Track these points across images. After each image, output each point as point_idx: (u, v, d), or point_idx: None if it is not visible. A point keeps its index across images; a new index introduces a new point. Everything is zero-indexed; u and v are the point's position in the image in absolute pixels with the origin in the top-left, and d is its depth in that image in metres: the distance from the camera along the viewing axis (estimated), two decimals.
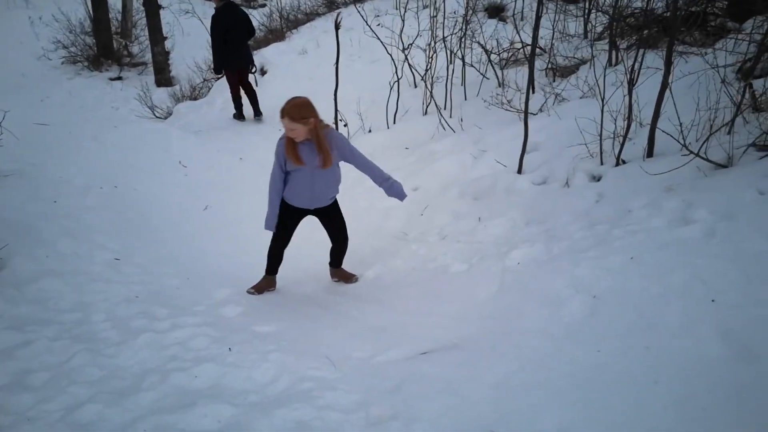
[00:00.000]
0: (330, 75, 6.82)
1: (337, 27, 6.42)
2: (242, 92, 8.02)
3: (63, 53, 12.17)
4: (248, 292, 4.07)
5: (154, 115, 8.93)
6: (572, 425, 2.22)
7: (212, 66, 7.92)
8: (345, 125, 7.03)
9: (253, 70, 8.11)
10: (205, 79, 10.41)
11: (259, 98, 8.12)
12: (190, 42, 12.60)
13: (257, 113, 8.12)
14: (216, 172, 6.50)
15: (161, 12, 11.61)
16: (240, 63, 7.75)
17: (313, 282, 4.31)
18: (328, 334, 3.38)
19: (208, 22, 12.26)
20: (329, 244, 4.19)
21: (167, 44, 11.99)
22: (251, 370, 2.83)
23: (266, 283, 4.16)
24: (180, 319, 3.43)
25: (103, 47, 12.12)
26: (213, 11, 7.61)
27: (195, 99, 9.67)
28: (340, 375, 2.78)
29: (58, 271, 3.91)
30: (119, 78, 11.87)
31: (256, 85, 8.19)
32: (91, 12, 12.23)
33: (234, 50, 7.56)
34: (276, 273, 4.19)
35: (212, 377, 2.78)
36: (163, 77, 11.48)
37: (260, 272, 4.16)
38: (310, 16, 11.42)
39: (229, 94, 8.13)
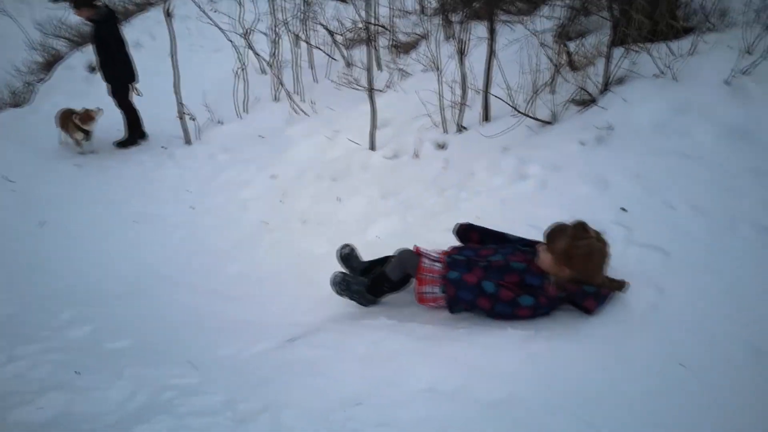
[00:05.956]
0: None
1: (168, 15, 6.04)
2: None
3: None
4: None
5: None
6: (441, 381, 2.30)
7: (111, 86, 6.47)
8: (192, 119, 6.67)
9: None
10: (27, 83, 9.34)
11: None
12: (5, 44, 11.20)
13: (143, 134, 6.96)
14: (52, 184, 5.88)
15: None
16: (134, 76, 6.63)
17: (170, 285, 4.06)
18: (191, 337, 3.22)
19: (23, 22, 11.06)
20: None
21: None
22: (105, 391, 2.60)
23: None
24: (17, 350, 3.05)
25: None
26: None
27: (17, 106, 8.65)
28: (204, 378, 2.65)
29: None
30: None
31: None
32: None
33: (129, 62, 6.52)
34: None
35: (59, 405, 2.51)
36: None
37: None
38: (141, 6, 10.65)
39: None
